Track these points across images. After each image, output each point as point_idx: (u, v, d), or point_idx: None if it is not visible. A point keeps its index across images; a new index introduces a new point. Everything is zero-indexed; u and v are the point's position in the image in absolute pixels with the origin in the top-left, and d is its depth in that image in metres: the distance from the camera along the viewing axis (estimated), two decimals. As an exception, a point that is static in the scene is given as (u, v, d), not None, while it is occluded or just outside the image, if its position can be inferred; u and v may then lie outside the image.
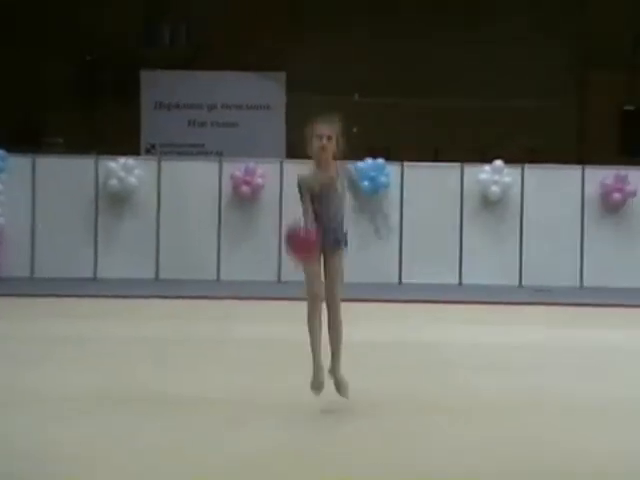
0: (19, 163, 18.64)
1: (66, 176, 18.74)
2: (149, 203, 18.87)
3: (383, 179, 18.79)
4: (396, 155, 19.80)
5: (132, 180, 18.64)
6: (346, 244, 8.06)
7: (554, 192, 19.01)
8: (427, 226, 18.88)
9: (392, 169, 19.00)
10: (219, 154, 21.46)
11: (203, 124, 23.95)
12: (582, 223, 19.06)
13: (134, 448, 6.69)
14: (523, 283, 18.98)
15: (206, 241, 18.90)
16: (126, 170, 18.63)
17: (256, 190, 18.91)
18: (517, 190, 19.04)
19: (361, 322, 11.79)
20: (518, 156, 19.57)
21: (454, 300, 16.56)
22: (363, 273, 17.62)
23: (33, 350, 10.81)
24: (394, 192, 18.97)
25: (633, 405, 8.37)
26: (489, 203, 19.00)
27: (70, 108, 23.25)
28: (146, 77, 23.76)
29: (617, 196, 18.82)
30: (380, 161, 18.95)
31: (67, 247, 18.61)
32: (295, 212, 18.38)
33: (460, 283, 18.99)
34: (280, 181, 18.98)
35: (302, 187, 8.11)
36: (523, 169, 19.13)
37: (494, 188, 18.79)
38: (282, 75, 23.84)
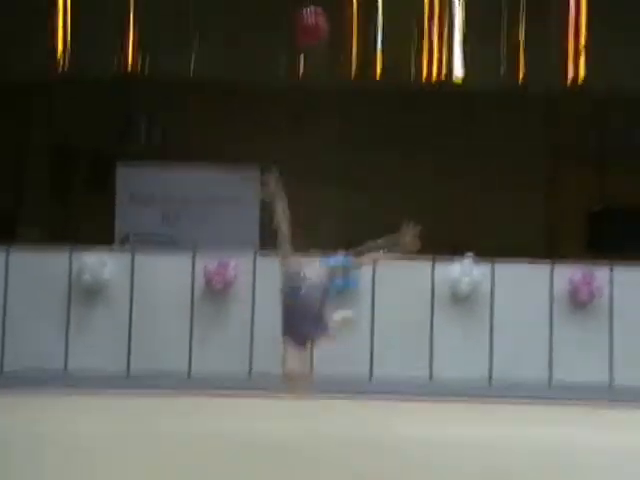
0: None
1: (39, 268, 18.75)
2: (121, 298, 18.91)
3: (355, 273, 18.86)
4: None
5: (105, 275, 18.70)
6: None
7: (523, 288, 19.15)
8: (398, 321, 18.92)
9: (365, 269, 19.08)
10: (192, 247, 21.50)
11: (177, 217, 24.06)
12: (551, 319, 19.18)
13: None
14: (493, 378, 19.00)
15: (177, 335, 18.87)
16: (99, 264, 18.69)
17: (229, 283, 18.96)
18: (487, 285, 19.17)
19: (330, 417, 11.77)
20: (488, 252, 19.70)
21: (424, 395, 16.60)
22: (332, 366, 17.61)
23: None
24: (365, 288, 19.03)
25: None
26: (459, 298, 19.11)
27: (46, 199, 23.34)
28: (122, 171, 23.93)
29: (585, 293, 18.98)
30: (352, 258, 19.03)
31: (38, 339, 18.53)
32: (268, 305, 18.56)
33: (431, 377, 18.98)
34: (253, 274, 19.05)
35: None
36: (493, 265, 19.27)
37: (464, 284, 18.93)
38: (256, 169, 24.01)
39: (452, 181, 23.67)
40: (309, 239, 20.51)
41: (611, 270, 19.32)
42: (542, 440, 12.46)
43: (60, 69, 23.79)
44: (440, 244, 20.19)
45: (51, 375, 17.97)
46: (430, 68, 24.16)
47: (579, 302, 19.12)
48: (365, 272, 18.98)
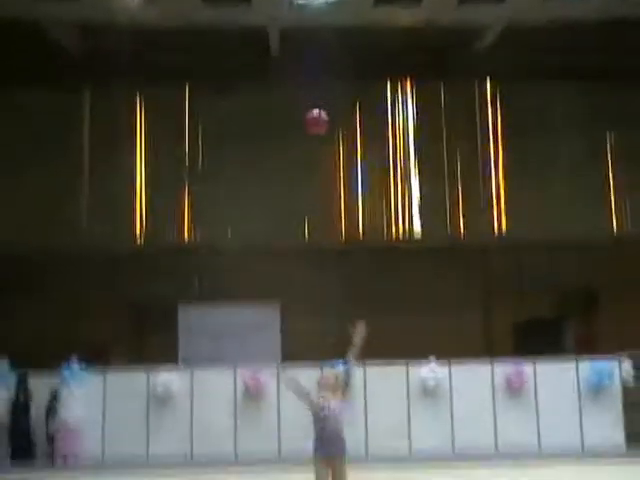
0: (95, 378, 18.87)
1: (126, 384, 18.98)
2: (185, 402, 18.97)
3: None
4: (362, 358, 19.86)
5: (173, 388, 18.93)
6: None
7: (472, 381, 19.28)
8: (384, 409, 19.01)
9: (358, 370, 19.21)
10: (234, 363, 21.62)
11: (222, 341, 24.14)
12: (493, 403, 19.27)
13: None
14: (455, 447, 18.99)
15: (226, 427, 18.94)
16: (169, 381, 18.93)
17: (260, 388, 19.09)
18: (447, 381, 19.30)
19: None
20: (446, 354, 19.79)
21: (407, 463, 16.69)
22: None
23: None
24: (359, 386, 19.17)
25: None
26: (428, 392, 19.20)
27: (130, 335, 23.60)
28: (182, 310, 24.27)
29: (517, 382, 19.13)
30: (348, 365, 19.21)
31: (127, 436, 18.68)
32: (291, 403, 18.57)
33: (410, 452, 18.91)
34: (277, 381, 19.13)
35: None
36: (450, 365, 19.43)
37: (430, 381, 19.09)
38: (277, 304, 24.29)
39: (417, 308, 23.85)
40: (316, 354, 20.80)
41: (534, 365, 19.49)
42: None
43: (139, 242, 24.49)
44: (411, 352, 20.45)
45: (137, 461, 18.02)
46: (397, 230, 24.81)
47: (513, 389, 19.21)
48: (357, 375, 19.06)
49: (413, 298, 23.78)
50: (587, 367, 19.30)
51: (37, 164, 23.83)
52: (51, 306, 23.34)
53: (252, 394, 19.06)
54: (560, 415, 19.01)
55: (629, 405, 19.26)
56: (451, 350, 21.03)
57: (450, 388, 19.28)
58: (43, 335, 23.10)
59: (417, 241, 24.69)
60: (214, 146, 24.74)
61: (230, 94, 24.30)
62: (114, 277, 23.61)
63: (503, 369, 19.31)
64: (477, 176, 24.81)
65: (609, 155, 24.99)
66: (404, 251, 24.19)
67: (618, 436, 18.94)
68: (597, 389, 19.20)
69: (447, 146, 24.92)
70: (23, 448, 18.22)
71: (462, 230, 24.48)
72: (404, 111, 25.15)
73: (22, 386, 18.79)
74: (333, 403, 7.84)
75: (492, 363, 19.63)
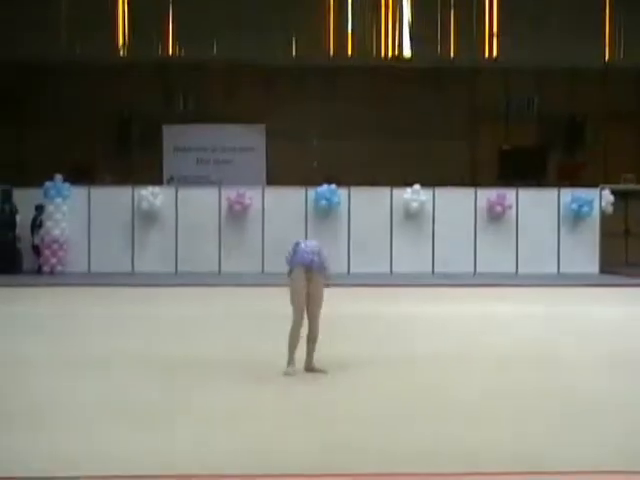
0: (79, 192, 18.73)
1: (111, 200, 18.81)
2: (170, 219, 18.94)
3: (336, 199, 18.97)
4: (345, 182, 19.77)
5: (157, 203, 18.77)
6: (328, 269, 7.62)
7: (455, 206, 19.21)
8: (367, 232, 19.01)
9: (342, 192, 19.19)
10: (219, 183, 21.45)
11: (207, 162, 23.91)
12: (475, 227, 19.32)
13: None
14: (435, 270, 19.19)
15: (210, 244, 18.98)
16: (153, 196, 18.76)
17: (245, 208, 19.00)
18: (430, 205, 19.23)
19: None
20: (430, 181, 19.63)
21: (386, 284, 16.84)
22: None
23: (88, 324, 10.95)
24: (344, 209, 19.11)
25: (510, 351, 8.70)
26: (410, 215, 19.16)
27: (114, 153, 23.16)
28: (167, 130, 23.72)
29: (499, 209, 19.12)
30: (333, 186, 19.13)
31: (112, 250, 18.71)
32: (274, 224, 18.55)
33: (391, 272, 19.10)
34: (262, 202, 19.06)
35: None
36: (434, 190, 19.31)
37: (414, 204, 19.00)
38: (262, 126, 23.86)
39: (402, 133, 23.45)
40: (301, 177, 20.61)
41: (517, 192, 19.39)
42: (470, 312, 12.80)
43: (120, 54, 23.59)
44: (395, 178, 20.25)
45: (121, 275, 18.08)
46: (386, 49, 23.96)
47: (495, 214, 19.18)
48: (343, 198, 18.97)
49: (399, 122, 23.28)
50: (568, 196, 19.23)
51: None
52: (33, 125, 22.73)
53: (236, 214, 18.99)
54: (539, 242, 19.10)
55: (606, 235, 19.37)
56: (436, 176, 20.93)
57: (433, 212, 19.24)
58: (26, 153, 22.69)
59: (406, 61, 23.86)
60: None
61: None
62: (97, 94, 22.85)
63: (486, 195, 19.22)
64: (471, -1, 23.81)
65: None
66: (392, 71, 23.41)
67: (593, 266, 19.17)
68: (576, 218, 19.21)
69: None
70: (9, 258, 18.32)
71: (452, 52, 23.67)
72: None
73: (7, 201, 18.76)
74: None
75: (475, 189, 19.56)
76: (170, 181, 22.97)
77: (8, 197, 18.82)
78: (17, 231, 18.47)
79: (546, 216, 19.24)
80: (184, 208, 18.90)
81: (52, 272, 18.14)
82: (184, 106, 24.02)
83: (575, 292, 15.99)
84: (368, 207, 19.11)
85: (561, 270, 19.09)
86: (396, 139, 23.30)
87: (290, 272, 7.58)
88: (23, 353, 8.54)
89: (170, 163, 23.66)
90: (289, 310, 7.56)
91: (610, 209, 19.51)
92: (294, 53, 23.70)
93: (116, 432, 5.57)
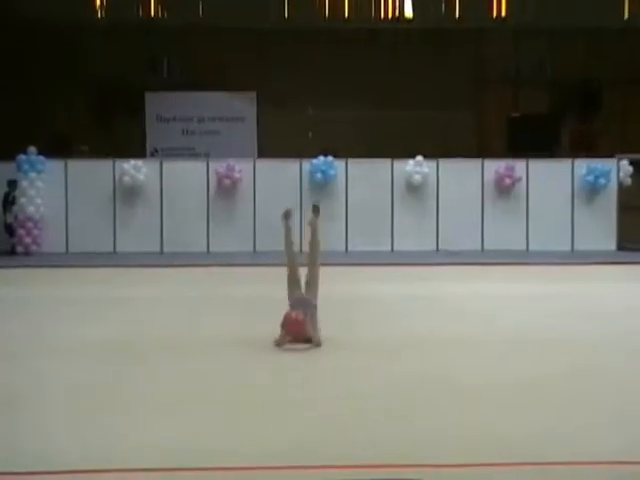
0: (55, 165, 18.60)
1: (90, 175, 18.70)
2: (154, 194, 18.85)
3: (332, 172, 18.89)
4: (343, 153, 19.70)
5: (141, 177, 18.67)
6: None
7: (461, 179, 19.10)
8: (366, 207, 18.93)
9: (339, 164, 19.09)
10: (206, 155, 21.39)
11: (193, 133, 23.84)
12: (482, 202, 19.23)
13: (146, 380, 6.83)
14: (439, 248, 19.11)
15: (198, 222, 18.89)
16: (136, 169, 18.67)
17: (235, 182, 18.91)
18: (434, 178, 19.15)
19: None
20: (434, 152, 19.55)
21: (387, 263, 16.77)
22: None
23: (67, 308, 10.90)
24: (341, 182, 19.05)
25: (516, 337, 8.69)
26: (413, 188, 19.09)
27: (93, 124, 23.06)
28: (150, 98, 23.60)
29: (508, 181, 19.03)
30: (330, 158, 19.05)
31: (92, 229, 18.60)
32: (265, 199, 18.48)
33: (392, 250, 19.05)
34: (253, 175, 18.99)
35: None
36: (438, 162, 19.23)
37: (416, 177, 18.92)
38: (253, 94, 23.77)
39: (404, 100, 23.36)
40: (294, 148, 20.53)
41: (527, 163, 19.28)
42: (478, 292, 12.78)
43: (99, 15, 23.40)
44: (396, 149, 20.14)
45: (102, 255, 18.00)
46: (386, 9, 23.76)
47: (503, 188, 19.06)
48: (340, 170, 18.91)
49: (400, 89, 23.17)
50: (583, 167, 19.14)
51: None
52: (2, 93, 22.55)
53: (225, 189, 18.90)
54: (551, 217, 19.02)
55: (624, 209, 19.28)
56: (440, 147, 20.83)
57: (437, 185, 19.14)
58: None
59: (408, 22, 23.67)
60: None
61: None
62: (73, 59, 22.71)
63: (494, 166, 19.11)
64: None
65: None
66: (392, 33, 23.26)
67: (610, 242, 19.08)
68: (592, 191, 19.14)
69: None
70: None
71: (457, 11, 23.48)
72: None
73: (-23, 176, 18.64)
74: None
75: (483, 160, 19.42)
76: (154, 153, 22.91)
77: (-22, 172, 18.70)
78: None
79: (559, 189, 19.09)
80: (169, 183, 18.81)
81: (27, 253, 18.04)
82: (168, 72, 23.90)
83: (590, 270, 15.95)
84: (367, 180, 18.99)
85: (575, 247, 19.02)
86: (397, 107, 23.22)
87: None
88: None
89: (154, 134, 23.57)
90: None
91: (629, 181, 19.39)
92: (287, 15, 23.53)
93: (92, 421, 5.55)
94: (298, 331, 7.84)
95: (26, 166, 18.23)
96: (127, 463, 4.78)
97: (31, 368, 7.20)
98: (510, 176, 19.02)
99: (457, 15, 23.57)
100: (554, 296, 12.05)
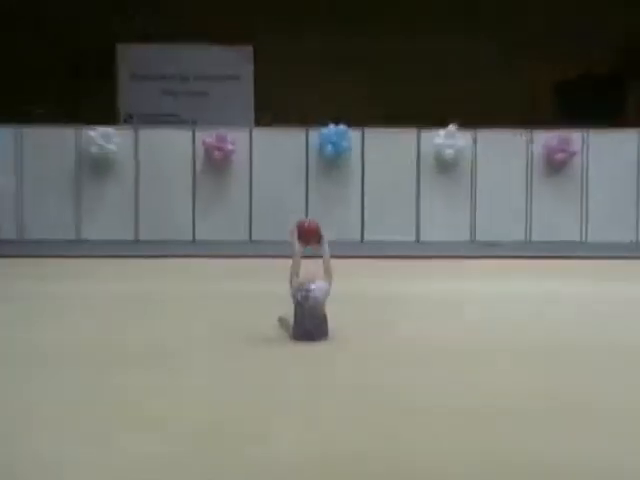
0: (5, 134, 18.58)
1: (49, 144, 18.67)
2: (128, 169, 18.82)
3: (346, 144, 18.82)
4: (358, 122, 19.64)
5: (111, 147, 18.60)
6: None
7: (503, 154, 19.10)
8: (387, 187, 18.92)
9: (354, 135, 19.01)
10: (192, 122, 21.37)
11: (176, 94, 23.84)
12: (529, 182, 19.20)
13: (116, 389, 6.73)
14: (476, 238, 19.11)
15: (181, 204, 18.89)
16: (105, 138, 18.60)
17: (227, 155, 18.89)
18: (469, 152, 19.12)
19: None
20: (469, 121, 19.55)
21: (412, 256, 16.68)
22: (328, 232, 17.60)
23: (20, 307, 10.82)
24: (356, 156, 19.01)
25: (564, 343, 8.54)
26: (444, 165, 19.06)
27: (53, 83, 23.09)
28: (122, 51, 23.61)
29: (561, 156, 18.96)
30: (342, 127, 18.96)
31: (51, 211, 18.56)
32: (263, 175, 18.52)
33: (418, 240, 19.07)
34: (249, 147, 19.01)
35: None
36: (475, 133, 19.20)
37: (448, 151, 18.85)
38: (250, 48, 23.74)
39: (432, 59, 23.31)
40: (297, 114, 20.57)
41: (584, 135, 19.25)
42: (524, 291, 12.65)
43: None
44: (424, 118, 20.10)
45: (64, 243, 18.01)
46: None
47: (555, 164, 19.04)
48: (355, 142, 18.89)
49: (428, 45, 23.11)
50: (652, 139, 19.16)
51: None
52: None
53: (215, 163, 18.86)
54: (613, 201, 19.04)
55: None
56: (476, 115, 20.77)
57: (474, 161, 19.14)
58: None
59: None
60: None
61: None
62: (28, 3, 22.74)
63: (544, 139, 19.07)
64: None
65: None
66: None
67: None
68: (663, 168, 19.19)
69: None
70: None
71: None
72: None
73: None
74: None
75: (531, 131, 19.34)
76: (127, 120, 22.90)
77: None
78: None
79: (622, 166, 19.15)
80: (146, 155, 18.83)
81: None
82: (145, 20, 23.81)
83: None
84: (388, 154, 19.03)
85: (641, 237, 19.07)
86: (424, 66, 23.19)
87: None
88: None
89: (127, 96, 23.62)
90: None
91: None
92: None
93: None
94: (312, 234, 9.16)
95: (-29, 134, 18.31)
96: None
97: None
98: (564, 150, 18.96)
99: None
100: (618, 295, 11.94)
